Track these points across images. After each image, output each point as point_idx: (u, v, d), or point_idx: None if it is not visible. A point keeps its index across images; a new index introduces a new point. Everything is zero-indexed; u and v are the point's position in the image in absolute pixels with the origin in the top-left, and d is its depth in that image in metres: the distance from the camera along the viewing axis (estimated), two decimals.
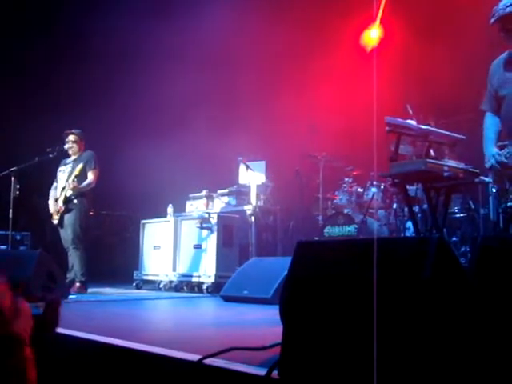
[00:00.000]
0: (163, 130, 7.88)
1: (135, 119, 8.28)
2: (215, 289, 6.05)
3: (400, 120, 4.22)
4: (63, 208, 6.38)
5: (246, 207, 6.73)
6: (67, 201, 6.38)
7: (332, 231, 6.55)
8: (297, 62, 7.49)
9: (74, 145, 6.60)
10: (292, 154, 7.10)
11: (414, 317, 1.65)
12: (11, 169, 6.55)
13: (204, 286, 6.29)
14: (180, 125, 7.78)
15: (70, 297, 5.42)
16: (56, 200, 6.53)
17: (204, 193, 7.39)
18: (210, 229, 6.45)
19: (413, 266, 1.71)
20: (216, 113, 7.61)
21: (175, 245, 7.02)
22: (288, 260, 2.13)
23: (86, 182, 6.36)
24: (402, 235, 5.90)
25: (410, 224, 5.97)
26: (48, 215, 6.59)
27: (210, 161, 7.70)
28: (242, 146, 6.96)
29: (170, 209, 7.29)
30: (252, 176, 6.39)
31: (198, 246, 6.59)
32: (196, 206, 7.32)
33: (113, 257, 8.34)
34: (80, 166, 6.43)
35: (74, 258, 6.37)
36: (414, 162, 4.11)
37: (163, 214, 7.18)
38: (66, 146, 6.68)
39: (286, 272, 2.23)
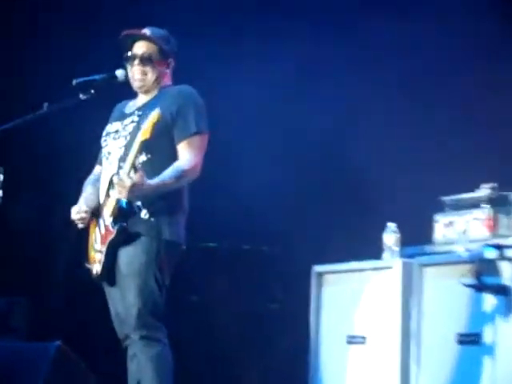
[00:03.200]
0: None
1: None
2: None
3: None
4: (114, 232, 3.70)
5: None
6: (125, 213, 3.69)
7: None
8: None
9: (149, 68, 3.90)
10: None
11: None
12: None
13: None
14: None
15: None
16: (98, 210, 3.92)
17: (482, 193, 4.70)
18: (504, 290, 3.99)
19: None
20: None
21: (406, 331, 4.36)
22: None
23: (170, 171, 3.72)
24: None
25: None
26: (75, 251, 4.02)
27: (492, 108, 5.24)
28: None
29: (389, 236, 4.59)
30: None
31: (471, 339, 4.16)
32: (462, 229, 4.62)
33: (239, 361, 6.17)
34: (154, 116, 3.70)
35: (141, 365, 3.79)
36: None
37: (368, 250, 4.77)
38: (118, 74, 4.02)
39: None
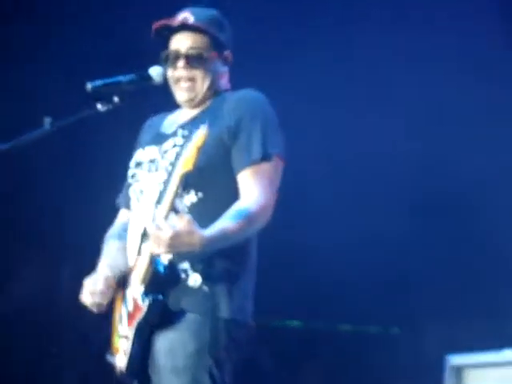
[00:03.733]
0: None
1: None
2: None
3: None
4: (145, 308, 2.68)
5: None
6: (163, 280, 2.70)
7: None
8: None
9: (198, 71, 2.85)
10: None
11: None
12: None
13: None
14: None
15: None
16: (125, 277, 2.85)
17: None
18: None
19: None
20: None
21: None
22: None
23: (231, 215, 2.66)
24: None
25: None
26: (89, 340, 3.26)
27: None
28: None
29: None
30: None
31: None
32: None
33: None
34: (199, 135, 2.54)
35: None
36: None
37: None
38: (154, 73, 2.92)
39: None
